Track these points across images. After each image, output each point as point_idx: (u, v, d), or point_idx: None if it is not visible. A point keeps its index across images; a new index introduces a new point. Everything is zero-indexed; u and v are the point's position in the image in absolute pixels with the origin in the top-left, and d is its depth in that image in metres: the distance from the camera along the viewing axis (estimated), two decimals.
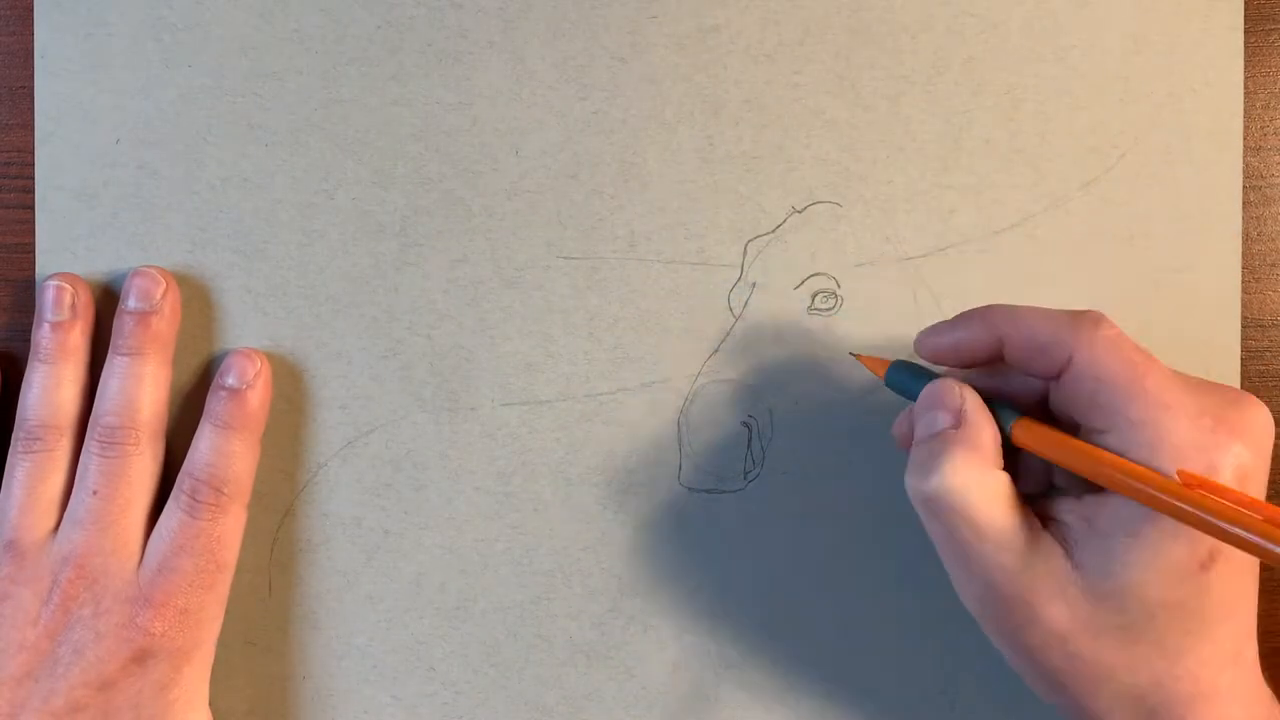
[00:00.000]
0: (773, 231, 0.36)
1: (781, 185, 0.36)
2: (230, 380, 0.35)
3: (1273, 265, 0.37)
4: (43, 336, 0.35)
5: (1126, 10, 0.37)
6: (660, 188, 0.36)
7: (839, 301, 0.36)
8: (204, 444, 0.35)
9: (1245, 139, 0.37)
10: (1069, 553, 0.29)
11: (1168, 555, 0.28)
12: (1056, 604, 0.29)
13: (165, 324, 0.35)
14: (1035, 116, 0.37)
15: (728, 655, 0.37)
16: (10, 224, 0.37)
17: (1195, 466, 0.27)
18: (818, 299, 0.37)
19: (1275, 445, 0.31)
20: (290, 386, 0.36)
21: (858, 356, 0.35)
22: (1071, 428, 0.30)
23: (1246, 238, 0.37)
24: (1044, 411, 0.31)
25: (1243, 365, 0.37)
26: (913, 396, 0.32)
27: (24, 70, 0.37)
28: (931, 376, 0.32)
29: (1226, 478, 0.27)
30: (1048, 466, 0.32)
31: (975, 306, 0.32)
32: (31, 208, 0.36)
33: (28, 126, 0.37)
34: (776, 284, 0.37)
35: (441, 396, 0.36)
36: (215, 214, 0.36)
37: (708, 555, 0.37)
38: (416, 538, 0.37)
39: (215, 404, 0.35)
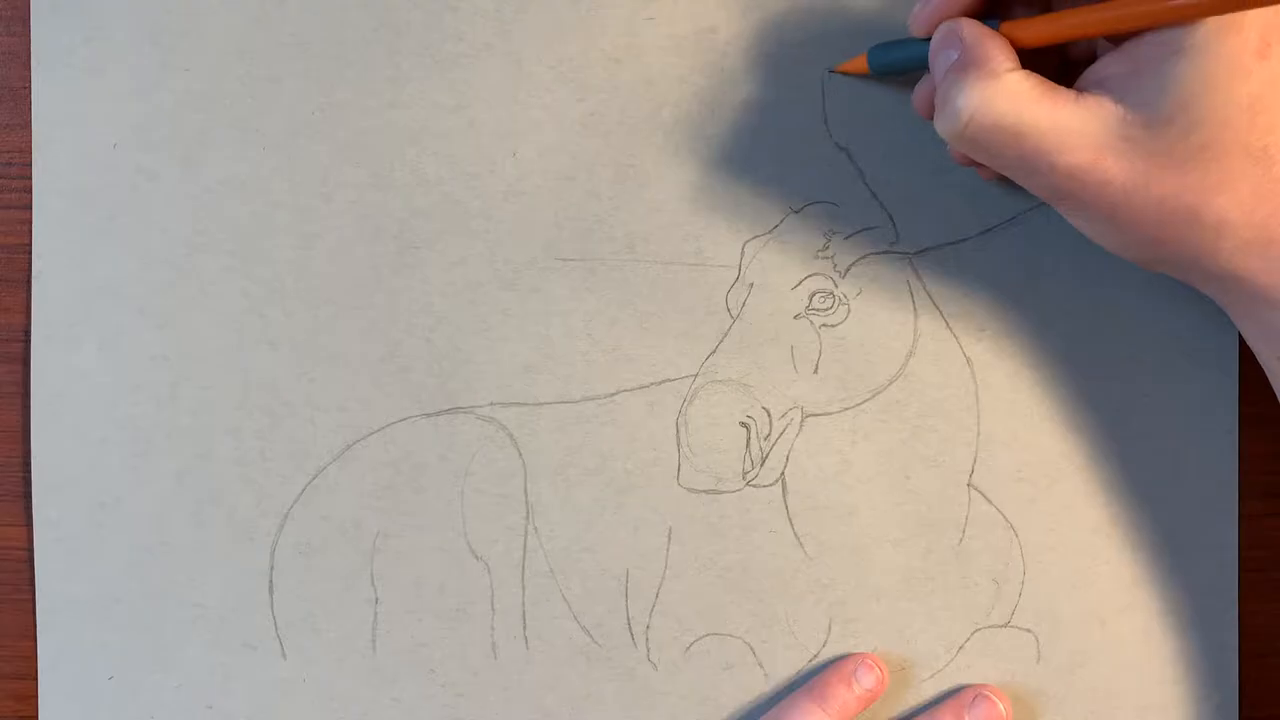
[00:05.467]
0: (770, 232, 0.36)
1: (779, 185, 0.36)
2: None
3: None
4: None
5: None
6: (657, 189, 0.36)
7: (836, 301, 0.36)
8: None
9: None
10: (1121, 100, 0.29)
11: (1221, 56, 0.27)
12: (1127, 156, 0.28)
13: None
14: None
15: (728, 656, 0.37)
16: (10, 224, 0.37)
17: None
18: (815, 299, 0.37)
19: None
20: (289, 389, 0.36)
21: (838, 69, 0.36)
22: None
23: None
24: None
25: (1242, 365, 0.37)
26: (905, 63, 0.33)
27: (23, 71, 0.37)
28: (913, 41, 0.33)
29: None
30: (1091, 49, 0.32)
31: None
32: (31, 208, 0.36)
33: (26, 127, 0.37)
34: (774, 284, 0.37)
35: (440, 398, 0.37)
36: (213, 217, 0.36)
37: (707, 556, 0.37)
38: (416, 539, 0.37)
39: None
